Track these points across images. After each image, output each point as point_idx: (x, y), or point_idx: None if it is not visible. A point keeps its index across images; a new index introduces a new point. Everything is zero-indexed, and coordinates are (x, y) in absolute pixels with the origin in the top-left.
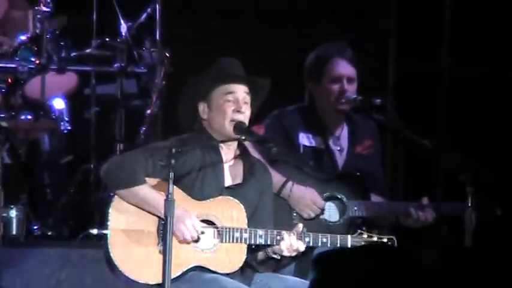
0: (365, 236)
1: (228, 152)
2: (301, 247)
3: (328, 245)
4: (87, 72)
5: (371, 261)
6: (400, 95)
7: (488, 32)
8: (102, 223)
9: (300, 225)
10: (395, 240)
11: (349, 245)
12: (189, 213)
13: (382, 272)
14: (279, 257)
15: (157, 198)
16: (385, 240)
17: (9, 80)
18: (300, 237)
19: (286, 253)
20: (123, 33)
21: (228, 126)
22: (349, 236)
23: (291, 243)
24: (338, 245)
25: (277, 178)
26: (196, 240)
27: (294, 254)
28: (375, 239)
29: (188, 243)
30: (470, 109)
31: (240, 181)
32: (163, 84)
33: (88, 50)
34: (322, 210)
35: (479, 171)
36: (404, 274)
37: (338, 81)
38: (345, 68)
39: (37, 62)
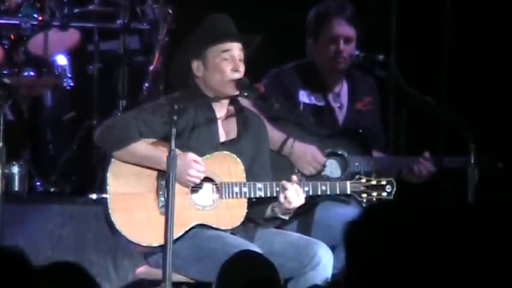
0: (363, 180)
1: (221, 108)
2: (301, 195)
3: (328, 192)
4: (90, 29)
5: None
6: (403, 52)
7: None
8: (101, 186)
9: (294, 177)
10: (394, 183)
11: (348, 191)
12: (186, 156)
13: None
14: (287, 217)
15: (156, 152)
16: (383, 182)
17: (12, 37)
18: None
19: (289, 205)
20: None
21: (226, 84)
22: (348, 182)
23: (293, 192)
24: (338, 192)
25: (277, 135)
26: (196, 190)
27: (297, 204)
28: (374, 182)
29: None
30: (472, 68)
31: (234, 136)
32: (166, 40)
33: (91, 7)
34: (324, 167)
35: (480, 128)
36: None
37: (335, 41)
38: (342, 28)
39: (40, 18)
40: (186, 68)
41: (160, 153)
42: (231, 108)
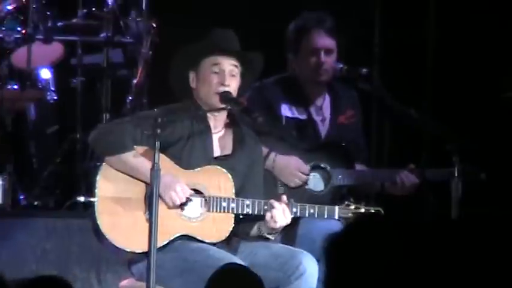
0: (352, 207)
1: (217, 122)
2: (288, 217)
3: (316, 216)
4: (74, 42)
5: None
6: (386, 64)
7: (475, 1)
8: (89, 192)
9: (284, 197)
10: (382, 212)
11: (336, 217)
12: (177, 178)
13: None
14: (272, 238)
15: (146, 165)
16: (372, 211)
17: None
18: (287, 206)
19: (275, 225)
20: (110, 2)
21: (212, 97)
22: (336, 207)
23: (280, 212)
24: (325, 216)
25: None
26: (184, 204)
27: (283, 224)
28: (362, 210)
29: (178, 208)
30: (455, 80)
31: (229, 152)
32: (149, 54)
33: (74, 20)
34: (307, 179)
35: (464, 140)
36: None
37: (315, 53)
38: (322, 40)
39: (23, 31)
40: (185, 78)
41: (149, 168)
42: (228, 123)
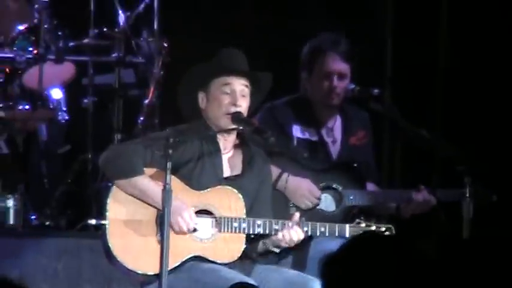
0: (363, 225)
1: (226, 142)
2: (300, 235)
3: (327, 234)
4: (85, 62)
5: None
6: (398, 85)
7: (485, 24)
8: (100, 213)
9: (297, 214)
10: (393, 229)
11: (347, 235)
12: (185, 204)
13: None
14: (278, 251)
15: (156, 190)
16: (383, 229)
17: (7, 70)
18: (298, 226)
19: (283, 244)
20: (121, 23)
21: (222, 118)
22: (347, 225)
23: (289, 235)
24: (336, 234)
25: (272, 170)
26: (194, 230)
27: (292, 244)
28: (373, 228)
29: (185, 234)
30: (466, 100)
31: (238, 172)
32: (161, 74)
33: (86, 40)
34: (319, 200)
35: (475, 161)
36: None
37: (328, 77)
38: (337, 64)
39: (35, 51)
40: (194, 99)
41: (159, 192)
42: (238, 143)
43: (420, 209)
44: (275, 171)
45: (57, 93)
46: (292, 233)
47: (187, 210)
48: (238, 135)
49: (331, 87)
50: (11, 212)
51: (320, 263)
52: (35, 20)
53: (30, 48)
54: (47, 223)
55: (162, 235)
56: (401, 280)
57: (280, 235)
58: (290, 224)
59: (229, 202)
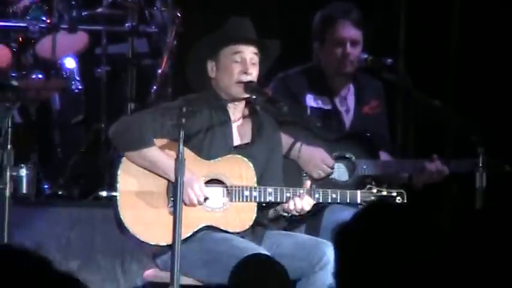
0: (374, 190)
1: (236, 111)
2: (308, 205)
3: (338, 201)
4: (98, 32)
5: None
6: (411, 55)
7: None
8: (112, 183)
9: (308, 182)
10: (405, 194)
11: (358, 201)
12: (195, 176)
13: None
14: (289, 215)
15: (167, 161)
16: (394, 194)
17: (20, 39)
18: (309, 194)
19: (294, 212)
20: None
21: (234, 86)
22: (358, 192)
23: (300, 203)
24: (348, 201)
25: (285, 140)
26: (205, 200)
27: (303, 213)
28: (385, 193)
29: (194, 206)
30: (479, 71)
31: (248, 140)
32: (174, 44)
33: (99, 10)
34: (332, 170)
35: (488, 131)
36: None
37: (341, 44)
38: (348, 31)
39: (48, 21)
40: (202, 68)
41: (169, 163)
42: (247, 111)
43: (433, 179)
44: (288, 140)
45: (70, 63)
46: (304, 203)
47: (197, 182)
48: (247, 104)
49: (345, 53)
50: (24, 181)
51: (332, 232)
52: None
53: (44, 18)
54: (60, 192)
55: (174, 205)
56: (415, 250)
57: (291, 204)
58: (301, 191)
59: (240, 171)
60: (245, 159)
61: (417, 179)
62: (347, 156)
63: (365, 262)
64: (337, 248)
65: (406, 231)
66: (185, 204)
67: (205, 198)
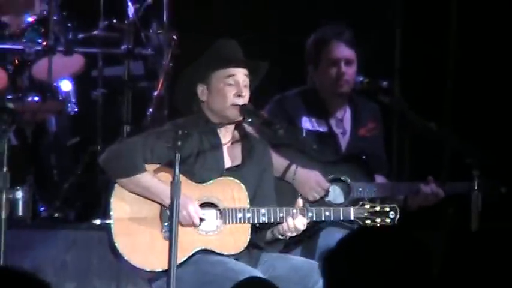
0: (367, 206)
1: (226, 134)
2: (302, 224)
3: (331, 218)
4: (94, 54)
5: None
6: (406, 77)
7: (496, 16)
8: (106, 210)
9: (300, 201)
10: (398, 209)
11: (352, 217)
12: (190, 198)
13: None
14: (286, 238)
15: (160, 185)
16: (387, 209)
17: (16, 61)
18: (302, 213)
19: (289, 233)
20: (131, 15)
21: (229, 109)
22: (351, 208)
23: (293, 223)
24: (341, 218)
25: (280, 162)
26: (201, 221)
27: (298, 232)
28: (378, 208)
29: (191, 226)
30: (475, 93)
31: (239, 162)
32: (170, 66)
33: (95, 32)
34: (327, 192)
35: (484, 154)
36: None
37: (335, 64)
38: (342, 51)
39: (44, 43)
40: (191, 92)
41: (163, 187)
42: (236, 134)
43: (428, 201)
44: (283, 163)
45: (66, 85)
46: (297, 222)
47: (192, 203)
48: (237, 127)
49: (340, 73)
50: (20, 203)
51: (320, 258)
52: (44, 12)
53: (40, 40)
54: (56, 215)
55: (170, 229)
56: (403, 273)
57: (285, 224)
58: (294, 211)
59: (232, 193)
60: (237, 180)
61: (412, 202)
62: (342, 179)
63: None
64: (324, 273)
65: (392, 254)
66: (181, 225)
67: (201, 220)
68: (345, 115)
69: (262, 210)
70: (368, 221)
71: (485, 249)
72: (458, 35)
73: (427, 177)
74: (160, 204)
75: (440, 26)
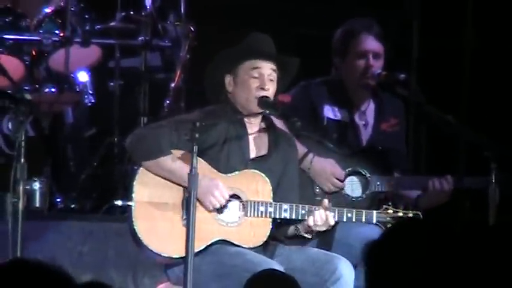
0: (390, 211)
1: (252, 124)
2: (331, 220)
3: (353, 220)
4: (111, 45)
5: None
6: (424, 71)
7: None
8: (125, 196)
9: (326, 201)
10: (421, 215)
11: (374, 221)
12: (215, 181)
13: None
14: (310, 237)
15: (184, 169)
16: (410, 215)
17: (34, 53)
18: (328, 210)
19: (315, 228)
20: (148, 6)
21: (251, 102)
22: (374, 212)
23: (322, 217)
24: (363, 220)
25: (298, 149)
26: (223, 207)
27: (323, 228)
28: (401, 214)
29: (216, 211)
30: (492, 85)
31: (264, 152)
32: (187, 57)
33: (112, 23)
34: (343, 182)
35: (501, 147)
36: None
37: (364, 56)
38: (371, 44)
39: (61, 34)
40: (220, 82)
41: (187, 171)
42: (263, 124)
43: (439, 200)
44: (301, 150)
45: (83, 76)
46: (329, 216)
47: (217, 187)
48: (263, 117)
49: (368, 65)
50: (37, 194)
51: (363, 252)
52: (62, 3)
53: (57, 31)
54: (73, 206)
55: (188, 219)
56: (446, 264)
57: (311, 220)
58: (316, 209)
59: (257, 186)
60: (262, 174)
61: (423, 201)
62: (361, 171)
63: (396, 279)
64: (367, 267)
65: (437, 247)
66: (207, 210)
67: (228, 201)
68: (369, 108)
69: (285, 206)
70: (390, 226)
71: (503, 242)
72: (475, 27)
73: (444, 171)
74: (183, 190)
75: (457, 18)
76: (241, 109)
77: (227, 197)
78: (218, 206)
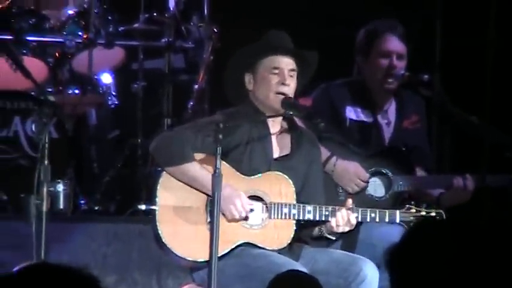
0: (413, 210)
1: (275, 124)
2: (353, 219)
3: (377, 221)
4: (135, 47)
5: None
6: (447, 71)
7: None
8: (149, 198)
9: (350, 201)
10: (443, 214)
11: (397, 220)
12: (237, 191)
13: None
14: (334, 238)
15: (206, 176)
16: (433, 214)
17: (57, 55)
18: (351, 211)
19: (338, 229)
20: (171, 8)
21: (272, 98)
22: (397, 211)
23: (343, 217)
24: (387, 220)
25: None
26: (246, 218)
27: (346, 228)
28: (423, 213)
29: (237, 221)
30: None
31: (287, 152)
32: (210, 59)
33: (136, 25)
34: (367, 183)
35: None
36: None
37: (387, 56)
38: (395, 44)
39: (85, 36)
40: (240, 81)
41: (210, 179)
42: (285, 124)
43: (460, 198)
44: (324, 153)
45: (106, 78)
46: (351, 217)
47: (239, 197)
48: (285, 117)
49: (392, 65)
50: (61, 196)
51: (386, 255)
52: (85, 5)
53: (80, 33)
54: (96, 208)
55: (212, 222)
56: (471, 264)
57: (333, 221)
58: (339, 209)
59: (280, 188)
60: (285, 176)
61: (445, 199)
62: (383, 171)
63: (421, 281)
64: (390, 269)
65: (460, 247)
66: (227, 220)
67: (246, 217)
68: (390, 107)
69: (308, 208)
70: (412, 225)
71: None
72: (498, 27)
73: (467, 170)
74: (206, 195)
75: (480, 17)
76: (263, 107)
77: (248, 209)
78: (237, 217)
